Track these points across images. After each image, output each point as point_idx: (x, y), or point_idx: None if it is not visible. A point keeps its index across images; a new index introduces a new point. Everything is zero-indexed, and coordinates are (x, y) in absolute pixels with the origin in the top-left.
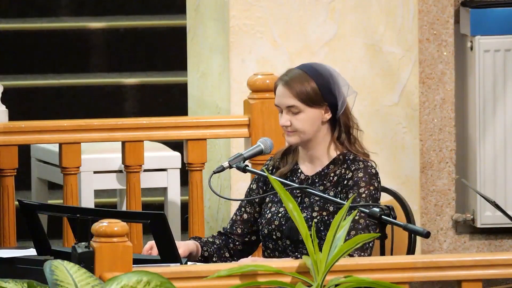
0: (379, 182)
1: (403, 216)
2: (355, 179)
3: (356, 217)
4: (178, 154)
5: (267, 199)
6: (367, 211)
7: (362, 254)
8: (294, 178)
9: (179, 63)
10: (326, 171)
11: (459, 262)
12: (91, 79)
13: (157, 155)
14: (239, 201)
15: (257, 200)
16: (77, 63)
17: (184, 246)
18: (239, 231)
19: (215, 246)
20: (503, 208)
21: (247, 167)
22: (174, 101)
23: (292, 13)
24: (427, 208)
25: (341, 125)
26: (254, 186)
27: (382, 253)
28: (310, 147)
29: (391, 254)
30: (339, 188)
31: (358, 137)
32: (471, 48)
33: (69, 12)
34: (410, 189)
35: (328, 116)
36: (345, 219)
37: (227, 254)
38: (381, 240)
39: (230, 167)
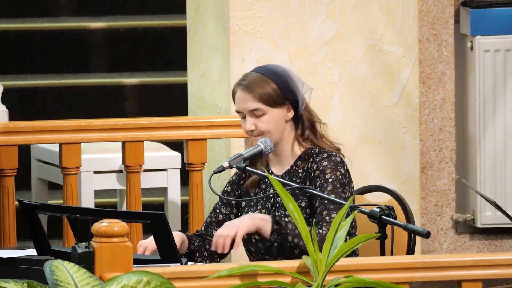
0: (346, 170)
1: (403, 216)
2: (321, 168)
3: (325, 201)
4: (178, 154)
5: (243, 203)
6: (367, 211)
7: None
8: (267, 180)
9: (179, 63)
10: (294, 168)
11: (459, 262)
12: (91, 79)
13: (157, 155)
14: (215, 204)
15: (233, 202)
16: (77, 63)
17: (177, 236)
18: (214, 232)
19: (197, 243)
20: (503, 208)
21: (247, 167)
22: (174, 101)
23: (292, 13)
24: (427, 208)
25: (304, 121)
26: (229, 189)
27: (382, 253)
28: (276, 147)
29: (391, 254)
30: (307, 182)
31: (322, 131)
32: (471, 48)
33: (69, 12)
34: (410, 189)
35: (291, 114)
36: (345, 219)
37: (205, 253)
38: (381, 240)
39: (230, 167)
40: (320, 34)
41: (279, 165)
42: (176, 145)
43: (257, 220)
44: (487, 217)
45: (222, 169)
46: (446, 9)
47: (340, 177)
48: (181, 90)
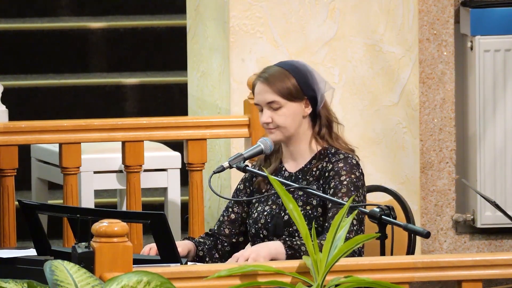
0: (361, 173)
1: (403, 216)
2: (336, 169)
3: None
4: (178, 154)
5: (254, 199)
6: (367, 211)
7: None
8: (279, 176)
9: (179, 63)
10: (308, 166)
11: (459, 262)
12: (91, 79)
13: (157, 155)
14: (227, 202)
15: (249, 199)
16: (77, 63)
17: (182, 245)
18: (226, 231)
19: (206, 246)
20: (503, 208)
21: (247, 167)
22: (174, 101)
23: (292, 13)
24: (427, 208)
25: (321, 119)
26: (242, 187)
27: (382, 253)
28: (292, 143)
29: (391, 254)
30: (321, 181)
31: (339, 132)
32: (471, 48)
33: (69, 12)
34: (410, 189)
35: (308, 110)
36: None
37: (216, 255)
38: (381, 240)
39: (230, 167)
40: (320, 34)
41: (293, 162)
42: (176, 145)
43: (272, 251)
44: (487, 217)
45: (222, 169)
46: (446, 9)
47: (354, 180)
48: (181, 90)
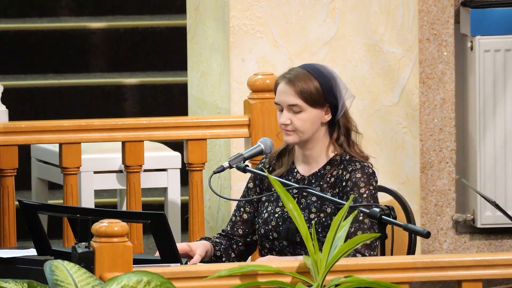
0: (376, 181)
1: (403, 216)
2: (354, 180)
3: (360, 217)
4: (178, 154)
5: (264, 198)
6: (367, 211)
7: (372, 253)
8: (290, 178)
9: (179, 63)
10: (322, 172)
11: (459, 262)
12: (91, 79)
13: (157, 155)
14: (238, 202)
15: (255, 199)
16: (77, 63)
17: (201, 246)
18: (240, 232)
19: (222, 246)
20: (503, 208)
21: (247, 167)
22: (174, 101)
23: (292, 13)
24: (427, 208)
25: (340, 127)
26: (252, 185)
27: (382, 253)
28: (307, 147)
29: (391, 254)
30: (337, 190)
31: (356, 141)
32: (471, 48)
33: (69, 12)
34: (410, 189)
35: (328, 117)
36: (345, 219)
37: (233, 255)
38: (381, 240)
39: (230, 167)
40: (320, 34)
41: (306, 165)
42: (176, 145)
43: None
44: (487, 217)
45: (222, 169)
46: (446, 9)
47: (373, 191)
48: (181, 90)
